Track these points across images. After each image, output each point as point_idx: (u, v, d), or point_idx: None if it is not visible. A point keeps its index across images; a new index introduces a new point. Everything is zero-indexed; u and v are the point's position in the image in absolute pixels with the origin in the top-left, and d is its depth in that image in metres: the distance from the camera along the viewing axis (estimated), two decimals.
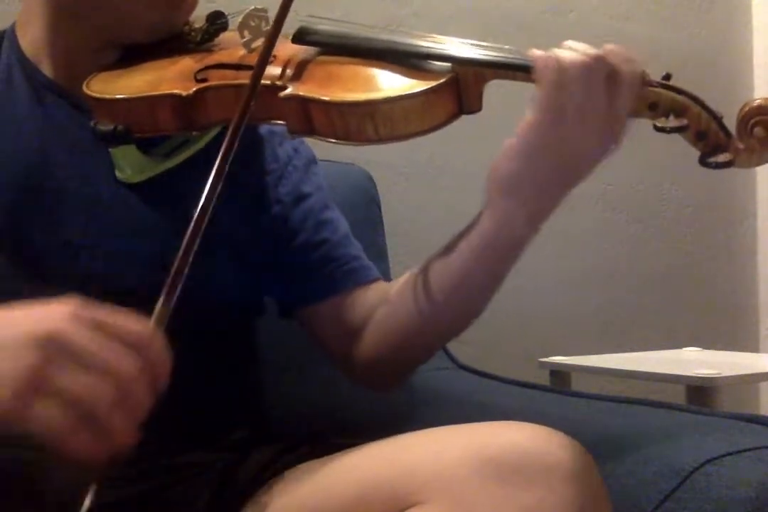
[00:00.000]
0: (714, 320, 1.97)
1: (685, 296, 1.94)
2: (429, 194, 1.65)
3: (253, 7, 0.82)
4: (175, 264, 0.65)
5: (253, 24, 0.81)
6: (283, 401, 1.03)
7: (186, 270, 0.65)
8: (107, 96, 0.78)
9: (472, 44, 0.77)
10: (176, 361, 0.82)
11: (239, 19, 0.81)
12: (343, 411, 1.09)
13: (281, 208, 0.89)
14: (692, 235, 1.97)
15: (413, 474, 0.64)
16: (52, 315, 0.56)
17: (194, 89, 0.76)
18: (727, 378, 1.31)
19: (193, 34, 0.84)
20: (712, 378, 1.29)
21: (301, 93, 0.73)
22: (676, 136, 0.75)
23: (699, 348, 1.67)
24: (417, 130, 0.73)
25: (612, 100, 0.71)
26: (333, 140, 0.74)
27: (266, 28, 0.81)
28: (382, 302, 0.86)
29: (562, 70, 0.70)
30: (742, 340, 2.01)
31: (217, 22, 0.84)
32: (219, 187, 0.65)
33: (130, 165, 0.81)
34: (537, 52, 0.72)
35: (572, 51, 0.71)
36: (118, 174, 0.81)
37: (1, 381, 0.53)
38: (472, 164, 1.61)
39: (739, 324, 2.03)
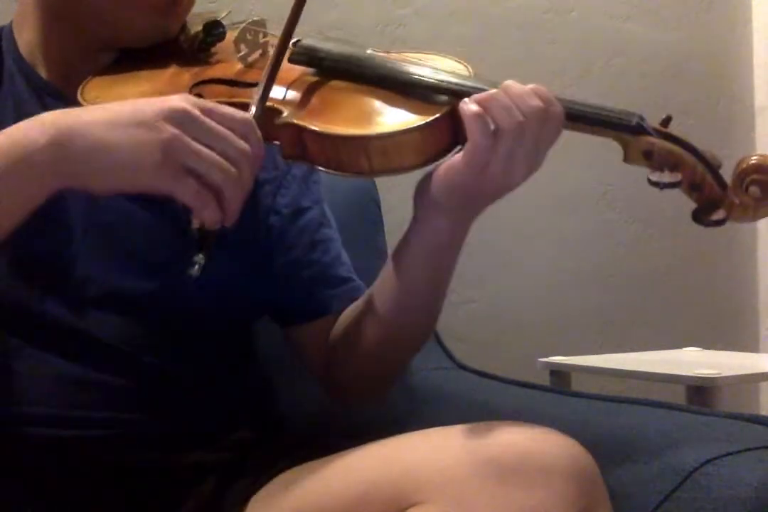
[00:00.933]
0: (714, 320, 1.97)
1: (685, 296, 1.94)
2: None
3: (250, 19, 0.81)
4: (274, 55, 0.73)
5: (249, 37, 0.80)
6: (283, 401, 1.02)
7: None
8: None
9: (470, 77, 0.76)
10: (176, 361, 0.83)
11: (236, 33, 0.80)
12: (343, 412, 1.09)
13: (279, 220, 0.89)
14: (692, 235, 1.96)
15: (413, 474, 0.64)
16: (172, 99, 0.65)
17: None
18: (727, 378, 1.31)
19: (189, 41, 0.83)
20: (712, 378, 1.29)
21: (296, 121, 0.73)
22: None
23: (699, 348, 1.67)
24: (412, 163, 0.73)
25: (539, 144, 0.71)
26: (324, 170, 0.74)
27: (263, 39, 0.81)
28: (363, 311, 0.86)
29: (486, 128, 0.69)
30: (742, 340, 2.01)
31: (213, 33, 0.83)
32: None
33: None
34: (470, 108, 0.70)
35: (504, 108, 0.69)
36: None
37: (148, 151, 0.62)
38: None
39: (739, 324, 2.03)
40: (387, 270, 0.82)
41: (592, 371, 1.49)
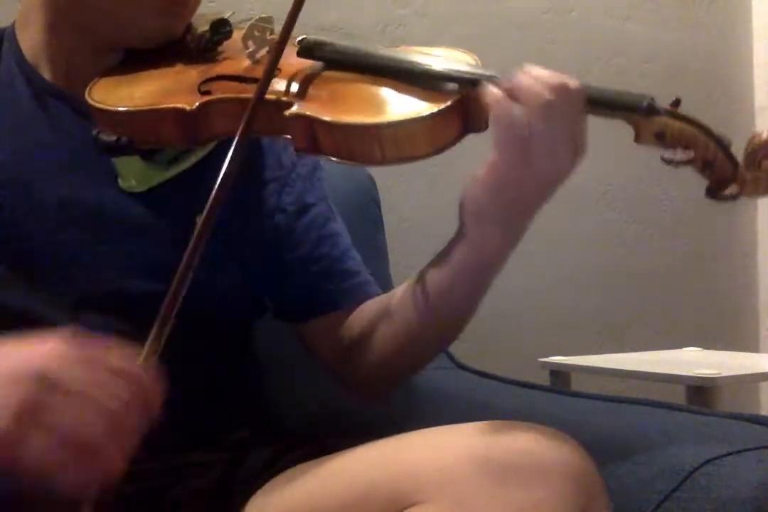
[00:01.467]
0: (714, 320, 1.97)
1: (685, 296, 1.94)
2: (429, 194, 1.65)
3: (258, 16, 0.81)
4: (166, 300, 0.66)
5: (257, 34, 0.80)
6: (283, 401, 1.03)
7: (176, 308, 0.66)
8: (110, 107, 0.78)
9: (478, 65, 0.76)
10: (176, 361, 0.82)
11: (244, 30, 0.80)
12: (343, 411, 1.09)
13: (285, 218, 0.89)
14: (692, 235, 1.97)
15: (413, 473, 0.64)
16: (42, 351, 0.58)
17: (198, 103, 0.75)
18: (727, 378, 1.31)
19: (196, 40, 0.82)
20: (712, 378, 1.29)
21: (307, 112, 0.72)
22: None
23: (699, 348, 1.67)
24: (423, 152, 0.73)
25: (571, 127, 0.69)
26: (337, 160, 0.73)
27: (271, 37, 0.80)
28: (384, 313, 0.85)
29: (514, 112, 0.68)
30: (742, 340, 2.01)
31: (220, 31, 0.83)
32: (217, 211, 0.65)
33: (133, 175, 0.81)
34: (493, 91, 0.69)
35: (528, 88, 0.68)
36: (121, 183, 0.81)
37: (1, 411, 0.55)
38: (472, 164, 1.61)
39: (739, 324, 2.03)
40: (416, 285, 0.81)
41: (592, 371, 1.49)
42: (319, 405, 1.12)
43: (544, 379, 1.51)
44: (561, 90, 0.69)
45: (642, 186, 1.89)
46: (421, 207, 1.64)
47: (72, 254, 0.80)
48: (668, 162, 0.74)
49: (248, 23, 0.80)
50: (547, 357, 1.55)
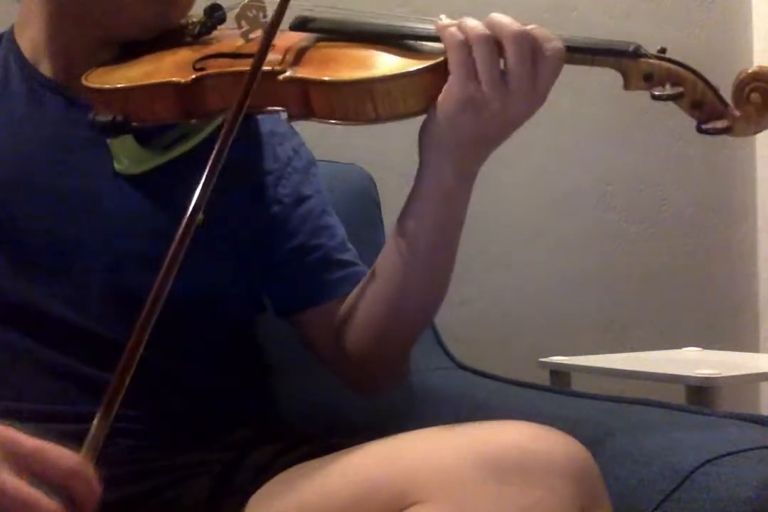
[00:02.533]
0: (714, 320, 1.97)
1: (685, 296, 1.94)
2: None
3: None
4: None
5: (250, 15, 0.81)
6: (283, 401, 1.02)
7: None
8: (106, 86, 0.79)
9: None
10: (176, 359, 0.82)
11: (236, 10, 0.81)
12: (343, 411, 1.09)
13: (281, 209, 0.89)
14: (692, 235, 1.97)
15: (413, 473, 0.64)
16: None
17: (193, 77, 0.77)
18: (727, 378, 1.31)
19: (190, 27, 0.84)
20: (712, 378, 1.29)
21: (299, 75, 0.74)
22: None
23: (699, 348, 1.67)
24: (415, 108, 0.74)
25: (535, 75, 0.72)
26: (332, 121, 0.75)
27: (264, 19, 0.82)
28: (364, 285, 0.86)
29: (465, 39, 0.72)
30: (742, 340, 2.01)
31: (214, 15, 0.84)
32: (211, 185, 0.65)
33: (128, 156, 0.82)
34: (443, 21, 0.74)
35: (482, 23, 0.73)
36: (116, 166, 0.82)
37: None
38: None
39: (739, 324, 2.03)
40: (392, 236, 0.82)
41: (592, 371, 1.49)
42: (319, 405, 1.12)
43: (544, 379, 1.51)
44: (517, 35, 0.74)
45: (642, 186, 1.89)
46: None
47: (70, 246, 0.80)
48: (657, 98, 0.74)
49: (241, 4, 0.81)
50: (547, 357, 1.55)
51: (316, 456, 0.74)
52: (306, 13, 0.81)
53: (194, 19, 0.84)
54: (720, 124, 0.74)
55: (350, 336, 0.87)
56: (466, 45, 0.72)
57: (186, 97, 0.77)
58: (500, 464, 0.61)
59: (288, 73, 0.74)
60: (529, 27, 0.75)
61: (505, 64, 0.73)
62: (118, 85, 0.78)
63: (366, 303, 0.85)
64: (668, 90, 0.74)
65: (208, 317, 0.84)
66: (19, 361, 0.79)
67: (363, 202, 1.30)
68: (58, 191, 0.81)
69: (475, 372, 1.26)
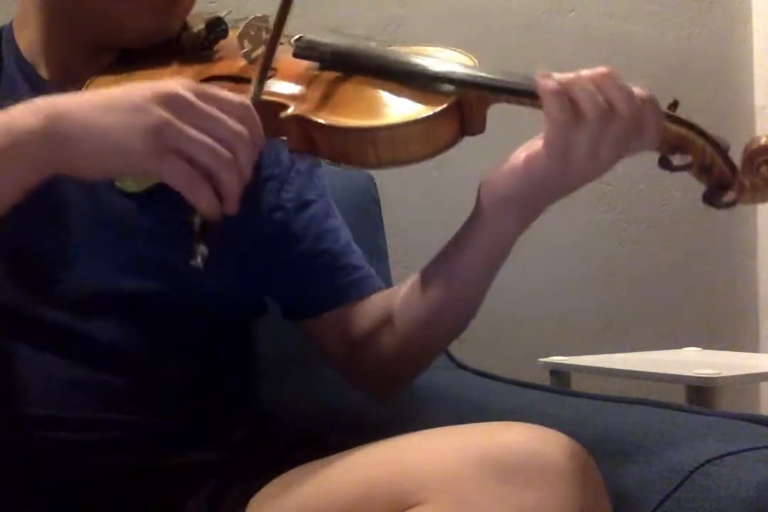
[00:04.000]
0: (714, 320, 1.97)
1: (685, 296, 1.94)
2: (429, 194, 1.65)
3: (253, 16, 0.81)
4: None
5: (253, 33, 0.80)
6: (283, 401, 1.02)
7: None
8: None
9: (476, 66, 0.76)
10: (176, 362, 0.82)
11: (240, 29, 0.80)
12: (343, 411, 1.09)
13: (284, 215, 0.89)
14: (692, 235, 1.97)
15: (413, 474, 0.63)
16: (167, 82, 0.65)
17: None
18: (727, 378, 1.31)
19: (191, 40, 0.82)
20: (712, 378, 1.29)
21: (302, 114, 0.72)
22: None
23: (699, 348, 1.67)
24: (419, 155, 0.72)
25: (627, 145, 0.70)
26: (332, 162, 0.74)
27: (266, 36, 0.80)
28: (388, 312, 0.86)
29: (572, 107, 0.68)
30: (742, 340, 2.01)
31: (216, 30, 0.83)
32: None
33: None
34: (547, 84, 0.69)
35: (593, 90, 0.68)
36: (117, 184, 0.81)
37: (138, 134, 0.61)
38: (472, 164, 1.61)
39: (739, 324, 2.03)
40: (429, 271, 0.81)
41: (592, 371, 1.49)
42: (320, 405, 1.12)
43: (544, 379, 1.51)
44: (624, 99, 0.69)
45: (642, 186, 1.89)
46: (421, 207, 1.64)
47: (68, 255, 0.80)
48: (665, 167, 0.73)
49: (243, 22, 0.80)
50: (547, 357, 1.55)
51: (317, 456, 0.74)
52: (310, 38, 0.79)
53: (194, 30, 0.83)
54: (727, 197, 0.73)
55: (366, 357, 0.87)
56: (576, 122, 0.68)
57: None
58: (500, 465, 0.61)
59: (290, 110, 0.73)
60: (634, 95, 0.70)
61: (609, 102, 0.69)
62: None
63: (385, 336, 0.86)
64: (677, 159, 0.72)
65: (208, 320, 0.84)
66: (16, 367, 0.79)
67: (363, 202, 1.30)
68: (58, 198, 0.81)
69: (475, 372, 1.26)
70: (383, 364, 0.87)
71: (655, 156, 0.75)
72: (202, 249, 0.65)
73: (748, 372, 1.42)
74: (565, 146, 0.69)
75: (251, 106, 0.67)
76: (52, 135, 0.63)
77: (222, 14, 0.84)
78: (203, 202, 0.63)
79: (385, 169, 0.73)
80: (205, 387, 0.84)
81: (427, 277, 0.82)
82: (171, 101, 0.62)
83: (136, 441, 0.79)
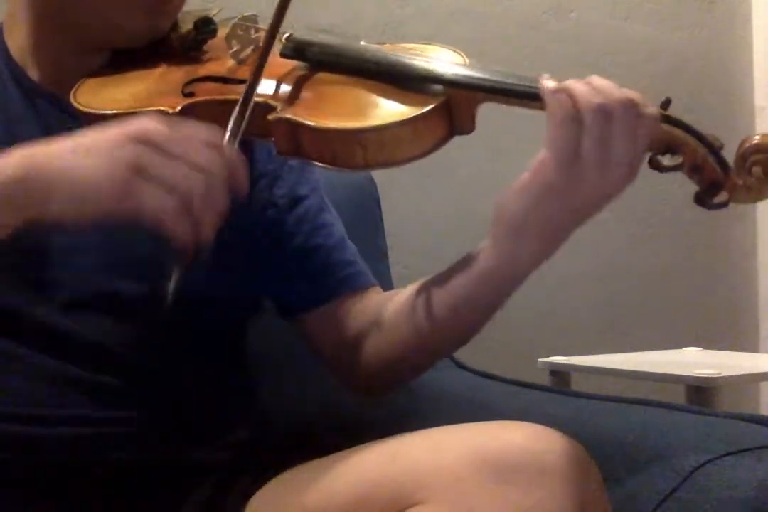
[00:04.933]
0: (714, 320, 1.97)
1: (685, 296, 1.94)
2: (429, 194, 1.65)
3: (241, 15, 0.81)
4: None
5: (241, 33, 0.80)
6: (283, 401, 1.02)
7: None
8: (94, 111, 0.77)
9: (465, 65, 0.75)
10: (171, 361, 0.82)
11: (227, 29, 0.80)
12: (343, 411, 1.09)
13: (276, 211, 0.89)
14: (692, 234, 1.97)
15: (413, 474, 0.64)
16: (138, 119, 0.64)
17: (180, 107, 0.75)
18: (727, 378, 1.31)
19: (180, 39, 0.82)
20: (712, 378, 1.29)
21: (289, 116, 0.72)
22: None
23: (699, 348, 1.67)
24: (408, 155, 0.72)
25: (632, 144, 0.69)
26: (320, 164, 0.73)
27: (255, 35, 0.80)
28: (376, 322, 0.85)
29: (576, 109, 0.68)
30: (742, 340, 2.01)
31: (204, 30, 0.82)
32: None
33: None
34: (548, 84, 0.69)
35: (590, 88, 0.68)
36: None
37: (115, 173, 0.61)
38: (472, 164, 1.61)
39: (739, 324, 2.03)
40: (435, 290, 0.79)
41: (592, 371, 1.49)
42: (320, 405, 1.12)
43: (544, 379, 1.51)
44: (624, 102, 0.68)
45: (642, 186, 1.88)
46: (421, 207, 1.63)
47: (64, 253, 0.80)
48: (656, 168, 0.72)
49: (232, 22, 0.80)
50: (547, 357, 1.55)
51: (317, 456, 0.74)
52: (298, 37, 0.78)
53: (183, 31, 0.82)
54: (718, 198, 0.72)
55: (356, 361, 0.87)
56: (577, 117, 0.68)
57: None
58: (500, 464, 0.62)
59: (278, 112, 0.72)
60: (628, 92, 0.70)
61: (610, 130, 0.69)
62: (105, 112, 0.77)
63: (373, 343, 0.85)
64: (667, 159, 0.72)
65: (203, 319, 0.84)
66: (10, 366, 0.78)
67: (363, 202, 1.30)
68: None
69: (475, 372, 1.26)
70: (370, 367, 0.87)
71: None
72: (172, 288, 0.65)
73: (748, 372, 1.42)
74: (571, 149, 0.68)
75: (225, 140, 0.66)
76: (31, 183, 0.63)
77: (212, 13, 0.84)
78: (181, 232, 0.62)
79: (374, 170, 0.73)
80: (203, 387, 0.84)
81: (426, 296, 0.80)
82: (143, 138, 0.62)
83: (134, 440, 0.79)
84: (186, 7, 0.84)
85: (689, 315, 1.94)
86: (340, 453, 0.72)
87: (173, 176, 0.61)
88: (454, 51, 0.79)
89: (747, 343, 2.02)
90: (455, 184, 1.65)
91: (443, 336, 0.82)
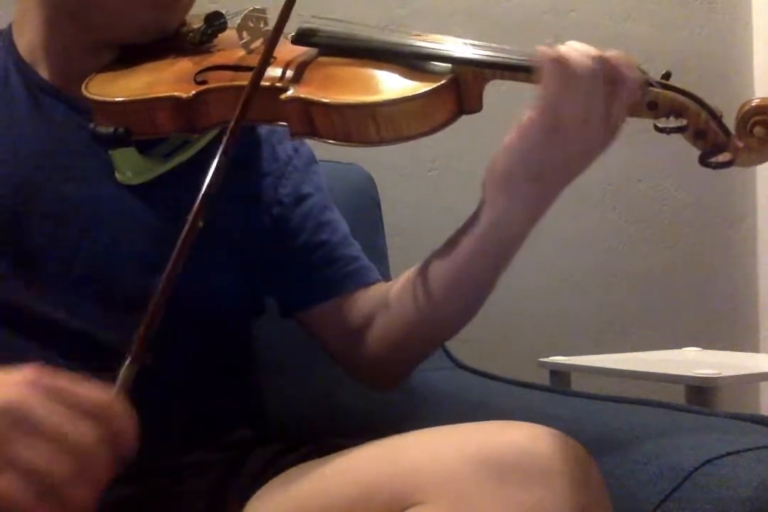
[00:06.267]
0: (714, 320, 1.97)
1: (685, 296, 1.94)
2: (429, 194, 1.65)
3: (251, 7, 0.82)
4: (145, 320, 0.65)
5: (251, 25, 0.81)
6: (283, 401, 1.02)
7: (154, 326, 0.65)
8: (106, 98, 0.78)
9: (472, 44, 0.77)
10: (174, 361, 0.82)
11: (238, 20, 0.81)
12: (343, 411, 1.09)
13: (281, 209, 0.89)
14: (692, 235, 1.97)
15: (413, 474, 0.63)
16: (9, 385, 0.55)
17: (194, 92, 0.76)
18: (727, 378, 1.31)
19: (191, 35, 0.83)
20: (712, 378, 1.29)
21: (302, 95, 0.73)
22: (676, 137, 0.75)
23: (699, 348, 1.67)
24: (418, 131, 0.74)
25: (612, 103, 0.71)
26: (334, 142, 0.74)
27: (265, 28, 0.81)
28: (383, 303, 0.86)
29: (568, 69, 0.70)
30: (742, 340, 2.01)
31: (215, 23, 0.84)
32: (214, 191, 0.65)
33: (130, 167, 0.81)
34: (544, 49, 0.72)
35: (577, 52, 0.71)
36: (117, 176, 0.81)
37: None
38: (472, 164, 1.61)
39: (739, 324, 2.03)
40: (438, 261, 0.81)
41: (592, 371, 1.49)
42: (320, 405, 1.12)
43: (544, 379, 1.51)
44: (615, 66, 0.71)
45: (642, 186, 1.89)
46: (421, 207, 1.64)
47: (69, 250, 0.80)
48: (661, 130, 0.74)
49: (242, 15, 0.81)
50: (547, 357, 1.55)
51: (316, 456, 0.74)
52: (307, 25, 0.80)
53: (194, 26, 0.83)
54: (722, 157, 0.74)
55: (364, 347, 0.87)
56: (569, 85, 0.70)
57: (187, 111, 0.77)
58: (500, 465, 0.61)
59: (290, 92, 0.74)
60: (608, 53, 0.72)
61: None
62: (119, 99, 0.78)
63: (381, 325, 0.86)
64: (671, 122, 0.74)
65: (207, 318, 0.84)
66: (13, 363, 0.79)
67: (363, 202, 1.30)
68: (59, 195, 0.81)
69: (475, 372, 1.26)
70: (378, 350, 0.87)
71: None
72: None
73: (748, 372, 1.42)
74: (555, 107, 0.71)
75: (115, 402, 0.59)
76: None
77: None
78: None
79: (387, 144, 0.74)
80: (204, 387, 0.84)
81: (429, 268, 0.81)
82: (5, 413, 0.53)
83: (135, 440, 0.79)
84: (192, 11, 0.85)
85: (689, 315, 1.94)
86: (340, 453, 0.72)
87: (37, 458, 0.52)
88: (458, 38, 0.80)
89: (747, 343, 2.02)
90: (455, 184, 1.65)
91: (446, 312, 0.82)
